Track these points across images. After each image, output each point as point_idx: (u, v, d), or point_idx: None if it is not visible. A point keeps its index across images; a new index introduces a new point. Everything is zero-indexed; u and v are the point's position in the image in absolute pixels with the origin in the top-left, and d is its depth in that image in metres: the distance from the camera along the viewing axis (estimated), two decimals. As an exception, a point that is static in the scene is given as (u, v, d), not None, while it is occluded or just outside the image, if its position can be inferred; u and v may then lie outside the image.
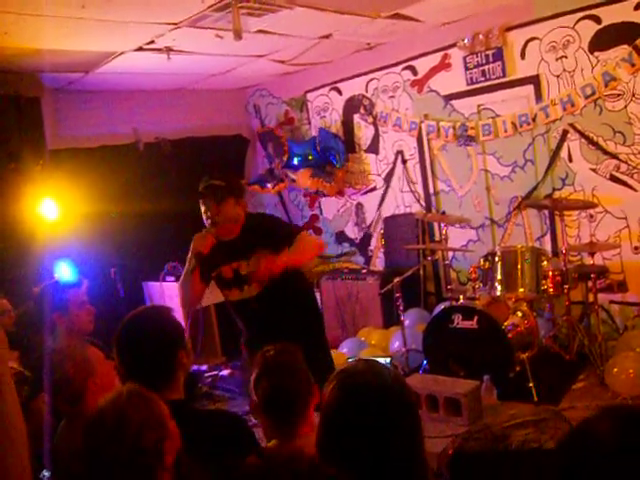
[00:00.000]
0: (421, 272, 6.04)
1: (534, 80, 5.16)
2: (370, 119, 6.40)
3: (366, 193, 6.63)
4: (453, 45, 5.54)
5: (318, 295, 6.12)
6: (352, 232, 6.86)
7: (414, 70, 5.96)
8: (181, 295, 3.49)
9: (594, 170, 4.98)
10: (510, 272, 4.71)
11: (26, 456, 1.21)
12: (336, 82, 6.61)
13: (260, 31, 4.68)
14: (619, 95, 4.75)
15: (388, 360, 4.84)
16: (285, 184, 7.08)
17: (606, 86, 4.77)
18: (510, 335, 4.39)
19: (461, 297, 4.80)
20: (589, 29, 4.79)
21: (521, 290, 4.67)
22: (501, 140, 5.42)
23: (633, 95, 4.68)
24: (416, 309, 5.81)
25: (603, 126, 4.87)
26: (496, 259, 4.76)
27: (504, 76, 5.28)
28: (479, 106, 5.55)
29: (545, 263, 4.69)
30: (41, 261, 4.68)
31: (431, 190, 6.07)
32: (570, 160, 5.10)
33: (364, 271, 6.43)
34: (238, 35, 3.96)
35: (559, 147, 5.12)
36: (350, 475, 1.39)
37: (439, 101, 5.82)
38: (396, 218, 6.38)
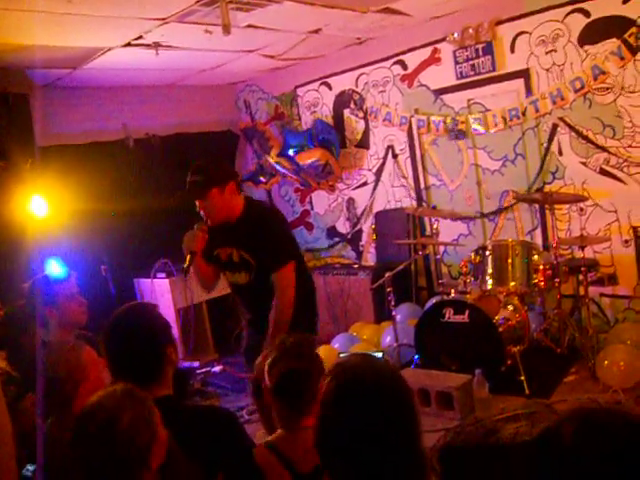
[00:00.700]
0: (412, 267, 6.05)
1: (524, 74, 5.17)
2: (360, 114, 6.39)
3: (357, 188, 6.63)
4: (443, 39, 5.54)
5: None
6: (343, 227, 6.86)
7: (404, 65, 5.95)
8: (198, 282, 3.60)
9: (584, 164, 4.99)
10: (501, 266, 4.72)
11: (12, 456, 1.20)
12: (326, 77, 6.59)
13: (249, 26, 4.66)
14: (608, 89, 4.76)
15: (380, 355, 4.84)
16: (277, 179, 7.07)
17: (595, 80, 4.78)
18: (501, 329, 4.40)
19: (452, 291, 4.81)
20: (578, 23, 4.80)
21: (512, 284, 4.68)
22: (491, 134, 5.42)
23: (622, 88, 4.69)
24: (407, 304, 5.82)
25: (593, 120, 4.88)
26: (487, 253, 4.77)
27: (494, 70, 5.28)
28: (469, 100, 5.55)
29: (536, 257, 4.70)
30: (31, 259, 4.65)
31: (422, 184, 6.07)
32: (560, 154, 5.11)
33: (355, 266, 6.44)
34: (227, 30, 3.94)
35: (551, 141, 5.13)
36: (347, 470, 1.39)
37: (429, 95, 5.82)
38: (387, 213, 6.38)
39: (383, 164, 6.33)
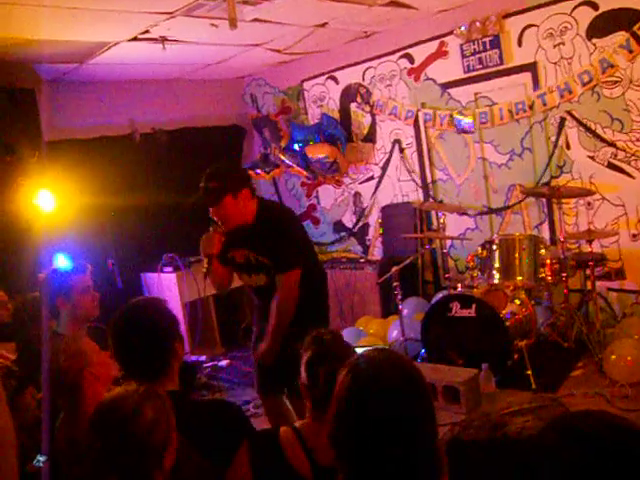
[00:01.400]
0: (419, 261, 6.05)
1: (531, 67, 5.14)
2: (367, 108, 6.38)
3: (364, 182, 6.62)
4: (450, 33, 5.51)
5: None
6: (350, 221, 6.85)
7: (411, 58, 5.93)
8: (212, 283, 3.52)
9: (592, 157, 4.97)
10: (508, 260, 4.71)
11: (13, 453, 1.21)
12: (332, 71, 6.57)
13: (255, 20, 4.65)
14: (617, 82, 4.73)
15: (388, 348, 4.85)
16: (280, 170, 7.06)
17: (604, 73, 4.75)
18: (508, 323, 4.40)
19: (459, 286, 4.81)
20: (586, 16, 4.77)
21: (519, 278, 4.67)
22: (499, 128, 5.40)
23: (631, 82, 4.67)
24: (414, 298, 5.82)
25: (601, 113, 4.86)
26: (494, 247, 4.76)
27: (501, 63, 5.25)
28: (476, 94, 5.53)
29: (543, 251, 4.69)
30: (38, 253, 4.67)
31: (429, 178, 6.05)
32: (568, 147, 5.09)
33: (362, 260, 6.43)
34: (233, 24, 3.93)
35: (558, 136, 5.10)
36: (360, 464, 1.38)
37: (436, 89, 5.80)
38: (394, 207, 6.37)
39: (390, 158, 6.32)
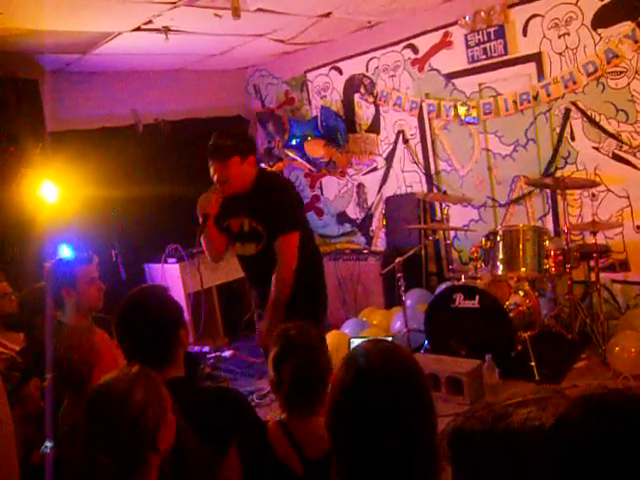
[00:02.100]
0: (423, 252, 6.04)
1: (536, 58, 5.11)
2: (371, 99, 6.36)
3: (367, 173, 6.61)
4: (454, 23, 5.49)
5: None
6: (353, 212, 6.84)
7: (415, 49, 5.90)
8: (206, 252, 3.53)
9: (596, 149, 4.95)
10: (512, 251, 4.70)
11: (13, 448, 1.21)
12: (336, 61, 6.55)
13: (259, 10, 4.63)
14: (622, 72, 4.70)
15: (390, 340, 4.86)
16: (284, 163, 7.06)
17: (609, 63, 4.72)
18: (512, 314, 4.39)
19: (463, 277, 4.80)
20: (592, 5, 4.73)
21: (523, 269, 4.66)
22: (502, 119, 5.38)
23: (636, 72, 4.64)
24: (418, 289, 5.82)
25: (605, 104, 4.83)
26: (498, 238, 4.75)
27: (506, 54, 5.23)
28: (480, 84, 5.51)
29: (547, 242, 4.68)
30: (42, 244, 4.68)
31: (432, 170, 6.04)
32: (572, 139, 5.06)
33: (365, 251, 6.43)
34: (237, 14, 3.92)
35: (564, 127, 5.08)
36: (358, 455, 1.37)
37: (440, 80, 5.77)
38: (397, 198, 6.36)
39: (394, 149, 6.30)
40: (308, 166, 6.83)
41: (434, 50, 5.76)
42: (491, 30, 5.24)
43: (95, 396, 1.63)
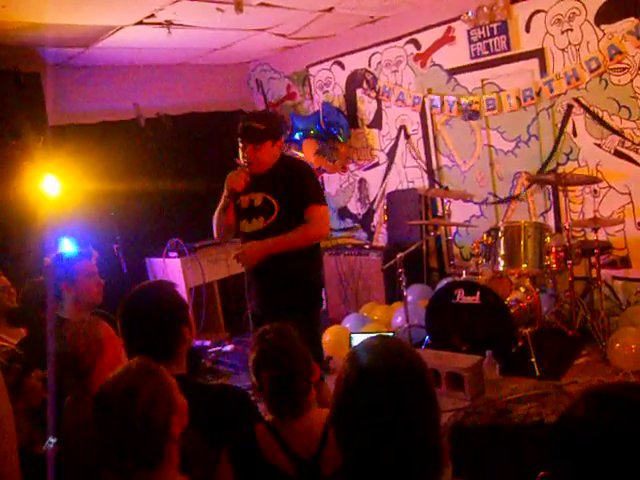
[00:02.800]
0: (424, 248, 6.04)
1: (539, 54, 5.10)
2: (373, 94, 6.35)
3: (369, 168, 6.61)
4: (457, 18, 5.47)
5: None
6: (355, 208, 6.84)
7: (417, 44, 5.89)
8: (215, 228, 3.54)
9: (598, 145, 4.94)
10: (513, 247, 4.70)
11: (13, 442, 1.22)
12: (338, 56, 6.54)
13: (261, 4, 4.62)
14: (625, 69, 4.69)
15: (391, 335, 4.86)
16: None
17: (612, 60, 4.71)
18: (513, 310, 4.40)
19: (464, 272, 4.80)
20: (595, 1, 4.72)
21: (524, 266, 4.67)
22: (505, 115, 5.37)
23: (639, 69, 4.63)
24: (419, 285, 5.82)
25: (608, 100, 4.82)
26: (499, 234, 4.75)
27: (508, 50, 5.21)
28: (483, 80, 5.50)
29: (548, 239, 4.68)
30: (43, 238, 4.68)
31: (434, 165, 6.04)
32: (574, 135, 5.06)
33: (367, 247, 6.43)
34: (239, 8, 3.93)
35: (565, 122, 5.08)
36: (364, 449, 1.38)
37: (442, 75, 5.76)
38: (399, 193, 6.35)
39: (395, 144, 6.30)
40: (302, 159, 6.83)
41: (436, 45, 5.75)
42: (494, 26, 5.23)
43: (101, 398, 1.63)
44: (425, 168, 6.09)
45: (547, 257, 4.67)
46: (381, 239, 6.61)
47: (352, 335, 4.54)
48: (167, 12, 4.50)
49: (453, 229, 5.87)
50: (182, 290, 5.77)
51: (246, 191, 3.40)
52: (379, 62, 6.22)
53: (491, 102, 5.40)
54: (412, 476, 1.35)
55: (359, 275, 6.13)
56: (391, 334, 4.85)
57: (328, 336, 5.08)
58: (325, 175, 6.97)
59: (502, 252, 4.73)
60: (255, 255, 3.29)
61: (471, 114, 5.55)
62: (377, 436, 1.34)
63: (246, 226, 3.46)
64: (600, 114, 4.87)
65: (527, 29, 5.13)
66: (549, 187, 5.28)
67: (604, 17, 4.71)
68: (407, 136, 6.17)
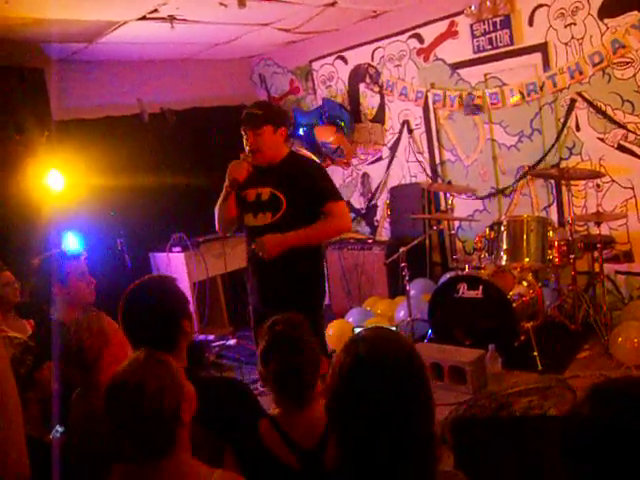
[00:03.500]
0: (427, 242, 6.05)
1: (542, 48, 5.09)
2: (376, 88, 6.35)
3: (372, 163, 6.61)
4: (460, 12, 5.46)
5: (324, 265, 6.10)
6: (358, 202, 6.85)
7: (420, 38, 5.89)
8: (217, 219, 3.55)
9: (602, 139, 4.94)
10: (516, 242, 4.71)
11: (20, 430, 1.24)
12: (341, 51, 6.54)
13: (264, -1, 4.63)
14: (628, 63, 4.69)
15: (393, 329, 4.87)
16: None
17: (615, 54, 4.70)
18: (515, 305, 4.40)
19: (466, 267, 4.81)
20: (599, -5, 4.72)
21: (527, 260, 4.67)
22: (508, 109, 5.37)
23: (642, 63, 4.62)
24: (421, 279, 5.83)
25: (611, 95, 4.82)
26: (502, 229, 4.75)
27: (511, 44, 5.21)
28: (486, 75, 5.50)
29: (551, 233, 4.68)
30: (47, 232, 4.71)
31: (437, 160, 6.04)
32: (577, 129, 5.05)
33: (370, 241, 6.44)
34: (242, 3, 3.93)
35: (568, 117, 5.07)
36: (357, 437, 1.39)
37: (445, 70, 5.76)
38: (402, 188, 6.36)
39: (398, 139, 6.30)
40: (313, 157, 6.83)
41: (439, 40, 5.75)
42: (497, 20, 5.22)
43: (112, 392, 1.66)
44: (427, 163, 6.09)
45: (550, 251, 4.67)
46: (384, 233, 6.62)
47: (355, 329, 4.55)
48: (170, 7, 4.50)
49: (456, 223, 5.88)
50: (186, 285, 5.79)
51: (253, 184, 3.41)
52: (382, 56, 6.22)
53: (494, 96, 5.39)
54: (404, 465, 1.36)
55: (362, 269, 6.14)
56: (393, 328, 4.88)
57: (331, 330, 5.10)
58: (328, 170, 6.97)
59: (505, 246, 4.73)
60: (276, 247, 3.28)
61: (473, 108, 5.54)
62: (370, 425, 1.36)
63: (251, 220, 3.46)
64: (603, 108, 4.87)
65: (530, 23, 5.12)
66: (552, 181, 5.28)
67: (607, 11, 4.70)
68: (410, 130, 6.17)
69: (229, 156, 3.61)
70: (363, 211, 6.81)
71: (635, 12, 4.55)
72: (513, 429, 1.92)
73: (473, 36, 5.41)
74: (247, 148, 3.37)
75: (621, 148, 4.85)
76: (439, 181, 5.98)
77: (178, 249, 5.99)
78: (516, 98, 5.24)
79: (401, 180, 6.38)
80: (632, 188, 4.87)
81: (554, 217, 5.27)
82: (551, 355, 4.36)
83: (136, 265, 5.62)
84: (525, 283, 4.68)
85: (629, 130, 4.77)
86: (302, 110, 6.85)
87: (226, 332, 6.12)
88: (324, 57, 6.71)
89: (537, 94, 5.15)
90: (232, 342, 5.74)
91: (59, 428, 1.97)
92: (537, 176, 5.28)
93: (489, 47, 5.34)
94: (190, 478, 1.60)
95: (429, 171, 6.10)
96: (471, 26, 5.40)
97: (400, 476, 1.36)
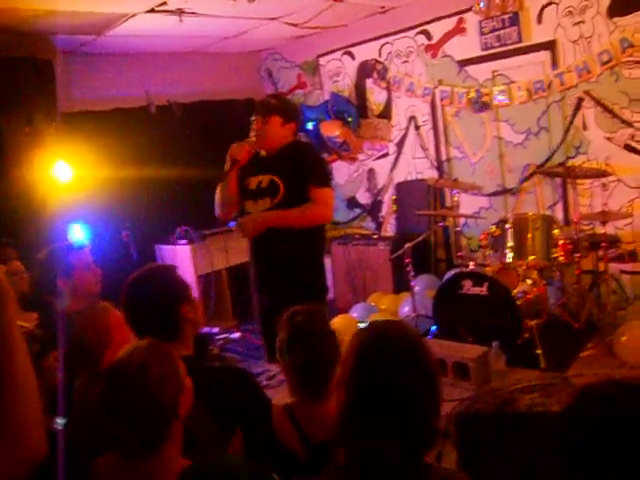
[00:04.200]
0: (432, 238, 6.06)
1: (550, 46, 5.09)
2: (383, 84, 6.35)
3: (378, 159, 6.61)
4: (468, 9, 5.46)
5: (329, 260, 6.10)
6: (363, 198, 6.86)
7: (428, 35, 5.88)
8: (217, 202, 3.58)
9: (609, 139, 4.93)
10: (521, 239, 4.71)
11: (39, 408, 1.27)
12: (349, 46, 6.54)
13: (273, -7, 4.63)
14: (637, 62, 4.68)
15: (396, 320, 4.88)
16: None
17: (624, 52, 4.69)
18: (519, 302, 4.41)
19: (471, 264, 4.82)
20: (608, -6, 4.70)
21: (532, 258, 4.67)
22: (515, 107, 5.36)
23: (651, 62, 4.61)
24: (426, 275, 5.84)
25: (619, 94, 4.81)
26: (507, 226, 4.75)
27: (520, 41, 5.20)
28: (494, 72, 5.49)
29: (556, 231, 4.68)
30: (54, 223, 4.72)
31: (444, 156, 6.04)
32: (585, 128, 5.05)
33: (375, 237, 6.45)
34: (251, -3, 3.92)
35: (575, 115, 5.07)
36: (365, 423, 1.41)
37: (453, 66, 5.76)
38: (408, 184, 6.36)
39: (405, 135, 6.30)
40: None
41: (448, 36, 5.74)
42: (505, 17, 5.21)
43: (113, 376, 1.67)
44: (433, 159, 6.09)
45: (555, 250, 4.67)
46: (389, 229, 6.63)
47: (359, 324, 4.57)
48: (179, 0, 4.51)
49: (461, 220, 5.88)
50: (191, 278, 5.81)
51: (255, 173, 3.44)
52: (389, 52, 6.22)
53: (502, 94, 5.38)
54: (407, 455, 1.38)
55: (367, 265, 6.15)
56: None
57: (335, 325, 5.11)
58: (334, 165, 6.99)
59: (510, 244, 4.73)
60: (256, 225, 3.33)
61: (481, 106, 5.54)
62: (375, 416, 1.38)
63: (251, 207, 3.48)
64: (611, 107, 4.86)
65: (539, 21, 5.11)
66: (558, 180, 5.28)
67: (616, 9, 4.69)
68: (417, 127, 6.17)
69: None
70: (368, 207, 6.81)
71: (644, 11, 4.54)
72: (517, 425, 1.94)
73: (481, 33, 5.40)
74: (252, 134, 3.40)
75: (628, 148, 4.85)
76: (445, 178, 5.98)
77: (184, 242, 6.01)
78: (523, 94, 5.23)
79: (407, 176, 6.38)
80: (638, 188, 4.87)
81: (560, 215, 5.27)
82: (555, 353, 4.36)
83: (142, 257, 5.65)
84: (530, 281, 4.68)
85: (637, 129, 4.76)
86: (309, 105, 6.85)
87: (230, 325, 6.15)
88: (332, 52, 6.71)
89: (545, 92, 5.15)
90: (236, 335, 5.77)
91: (59, 420, 1.98)
92: (544, 174, 5.27)
93: (497, 44, 5.33)
94: (177, 472, 1.61)
95: (435, 168, 6.10)
96: (479, 23, 5.40)
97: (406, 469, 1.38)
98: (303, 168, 3.34)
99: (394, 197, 6.48)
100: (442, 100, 5.85)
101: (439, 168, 6.07)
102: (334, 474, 1.51)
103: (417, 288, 5.27)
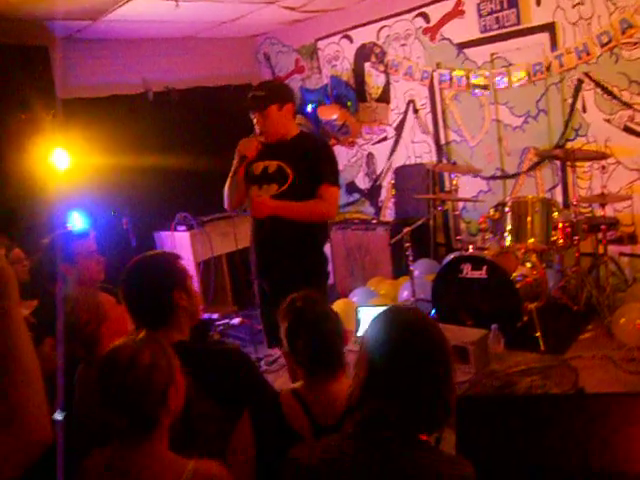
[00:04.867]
0: (431, 222, 6.05)
1: (549, 28, 5.06)
2: (381, 68, 6.32)
3: (377, 143, 6.60)
4: (467, -9, 5.42)
5: (328, 245, 6.10)
6: (362, 182, 6.85)
7: (426, 17, 5.85)
8: (226, 197, 3.57)
9: (608, 121, 4.91)
10: (520, 223, 4.71)
11: (44, 393, 1.28)
12: (347, 30, 6.50)
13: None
14: (636, 43, 4.65)
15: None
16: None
17: (623, 34, 4.66)
18: (519, 285, 4.42)
19: (470, 247, 4.82)
20: (607, -26, 4.67)
21: (531, 241, 4.68)
22: (514, 90, 5.34)
23: (651, 43, 4.59)
24: (425, 259, 5.84)
25: (619, 75, 4.78)
26: (506, 210, 4.76)
27: (518, 23, 5.17)
28: (492, 54, 5.46)
29: (555, 214, 4.68)
30: (53, 211, 4.72)
31: (442, 140, 6.02)
32: (584, 110, 5.03)
33: (374, 221, 6.44)
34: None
35: (576, 98, 5.04)
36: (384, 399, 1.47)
37: (452, 49, 5.72)
38: (407, 168, 6.35)
39: (404, 119, 6.28)
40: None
41: (446, 19, 5.70)
42: (504, -1, 5.18)
43: (105, 361, 1.69)
44: (433, 143, 6.08)
45: (554, 233, 4.67)
46: (388, 214, 6.63)
47: (359, 308, 4.58)
48: (175, -16, 4.49)
49: (460, 204, 5.87)
50: (191, 264, 5.81)
51: (261, 158, 3.43)
52: (388, 35, 6.18)
53: (500, 76, 5.35)
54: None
55: (366, 249, 6.15)
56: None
57: (335, 309, 5.11)
58: (335, 148, 6.96)
59: (509, 227, 4.74)
60: (266, 209, 3.31)
61: (480, 88, 5.51)
62: (389, 399, 1.45)
63: (255, 192, 3.47)
64: (610, 89, 4.84)
65: (538, 2, 5.08)
66: (557, 163, 5.27)
67: (616, -10, 4.65)
68: (415, 110, 6.15)
69: (234, 135, 3.61)
70: (367, 191, 6.80)
71: (644, -8, 4.51)
72: (515, 407, 1.94)
73: (480, 15, 5.37)
74: (257, 129, 3.40)
75: (627, 129, 4.83)
76: (444, 161, 5.97)
77: (183, 228, 6.01)
78: (522, 74, 5.20)
79: (406, 160, 6.37)
80: (638, 170, 4.86)
81: (559, 198, 5.27)
82: (554, 336, 4.38)
83: (141, 244, 5.65)
84: (529, 264, 4.68)
85: (636, 110, 4.74)
86: (309, 88, 6.83)
87: (230, 311, 6.16)
88: (329, 36, 6.67)
89: (543, 74, 5.12)
90: (236, 321, 5.77)
91: (58, 415, 1.99)
92: (543, 157, 5.26)
93: (496, 26, 5.30)
94: (164, 466, 1.62)
95: (434, 151, 6.08)
96: (478, 5, 5.36)
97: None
98: (319, 163, 3.33)
99: (393, 181, 6.47)
100: (440, 83, 5.82)
101: (438, 152, 6.06)
102: (340, 440, 1.55)
103: (416, 272, 5.28)
